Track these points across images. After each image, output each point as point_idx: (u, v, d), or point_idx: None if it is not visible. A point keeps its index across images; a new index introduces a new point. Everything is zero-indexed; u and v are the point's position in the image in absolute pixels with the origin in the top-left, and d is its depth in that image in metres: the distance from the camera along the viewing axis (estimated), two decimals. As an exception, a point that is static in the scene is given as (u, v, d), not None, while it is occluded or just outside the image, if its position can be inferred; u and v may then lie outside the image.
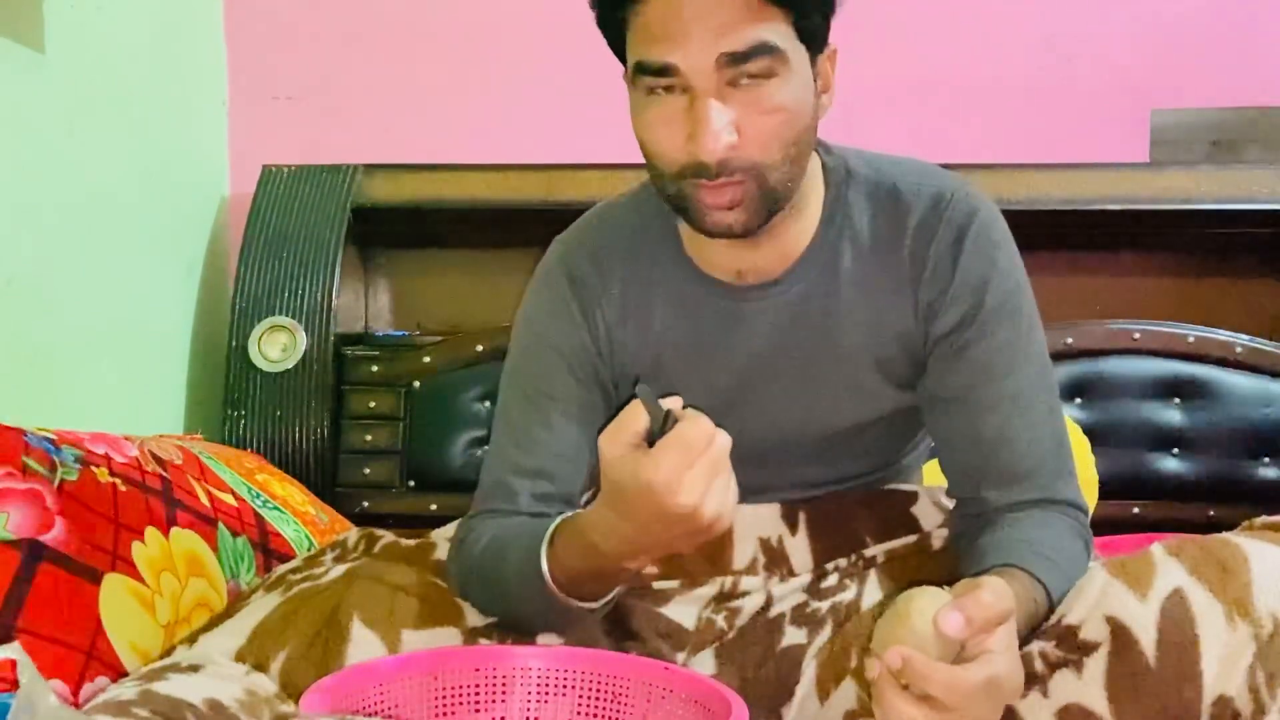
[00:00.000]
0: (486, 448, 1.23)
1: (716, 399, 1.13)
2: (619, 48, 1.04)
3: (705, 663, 1.09)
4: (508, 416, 1.17)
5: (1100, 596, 0.95)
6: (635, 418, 0.90)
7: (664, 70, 0.97)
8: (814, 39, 1.01)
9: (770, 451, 1.16)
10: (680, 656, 1.10)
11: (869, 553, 1.15)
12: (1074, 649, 0.94)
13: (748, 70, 0.96)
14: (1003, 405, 1.07)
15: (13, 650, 0.72)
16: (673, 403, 0.91)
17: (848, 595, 1.10)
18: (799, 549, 1.16)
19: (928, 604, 0.84)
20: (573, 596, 1.00)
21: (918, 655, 0.81)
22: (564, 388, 1.13)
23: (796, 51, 0.99)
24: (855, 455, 1.19)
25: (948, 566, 1.11)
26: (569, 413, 1.13)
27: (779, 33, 0.97)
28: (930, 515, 1.19)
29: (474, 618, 1.08)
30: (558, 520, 1.02)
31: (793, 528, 1.17)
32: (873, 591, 1.10)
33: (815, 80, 1.03)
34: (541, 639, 1.07)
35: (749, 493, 1.18)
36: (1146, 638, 0.91)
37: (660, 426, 0.89)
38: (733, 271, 1.12)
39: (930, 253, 1.08)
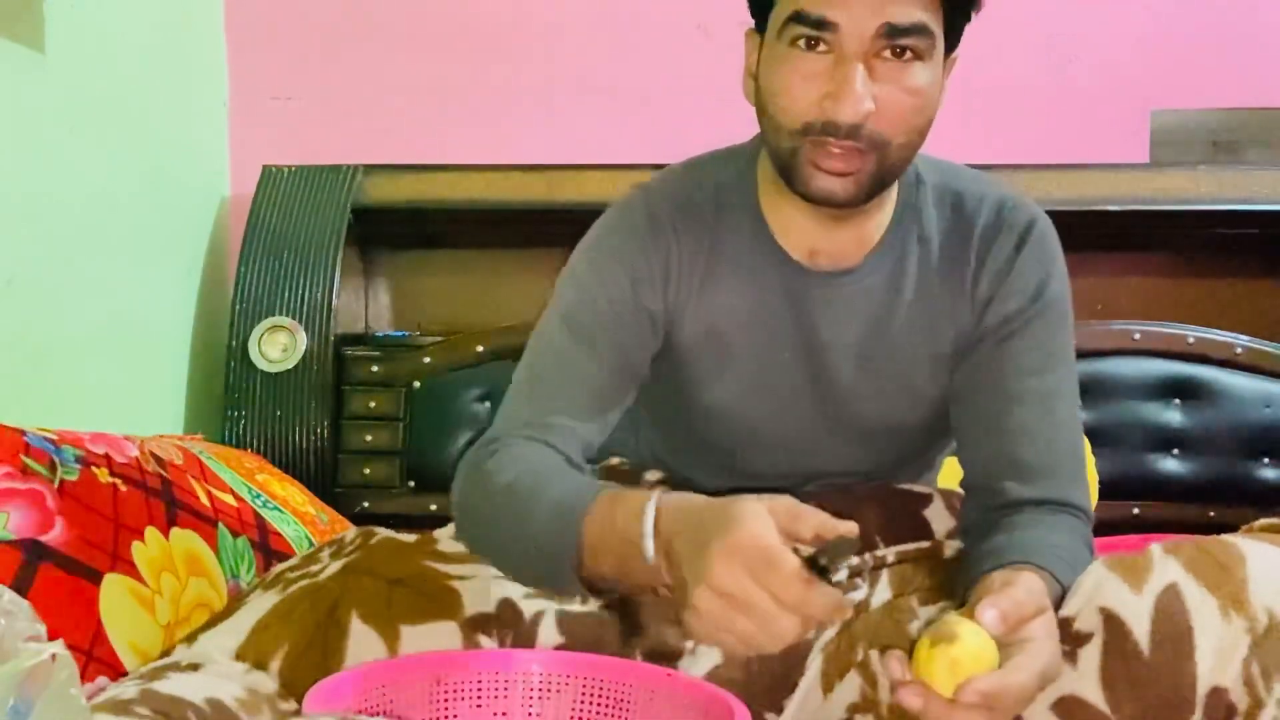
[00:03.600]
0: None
1: (770, 378, 1.15)
2: None
3: (711, 653, 1.08)
4: (552, 345, 1.12)
5: (1094, 589, 0.95)
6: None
7: (821, 24, 0.98)
8: (952, 37, 1.03)
9: (816, 440, 1.18)
10: (688, 645, 1.09)
11: (879, 554, 1.16)
12: (1068, 639, 0.94)
13: (901, 44, 0.98)
14: (1030, 400, 1.09)
15: (57, 646, 0.73)
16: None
17: (858, 594, 1.11)
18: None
19: (970, 639, 0.83)
20: (584, 575, 0.97)
21: (982, 680, 0.81)
22: (618, 319, 1.10)
23: (940, 43, 1.01)
24: (896, 449, 1.21)
25: (958, 573, 1.12)
26: (620, 344, 1.11)
27: (934, 20, 0.99)
28: (942, 520, 1.21)
29: (471, 608, 1.08)
30: (599, 491, 0.97)
31: None
32: (883, 592, 1.10)
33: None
34: (542, 635, 1.08)
35: (783, 477, 1.20)
36: (1140, 628, 0.91)
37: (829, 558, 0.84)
38: (806, 251, 1.12)
39: (991, 253, 1.12)
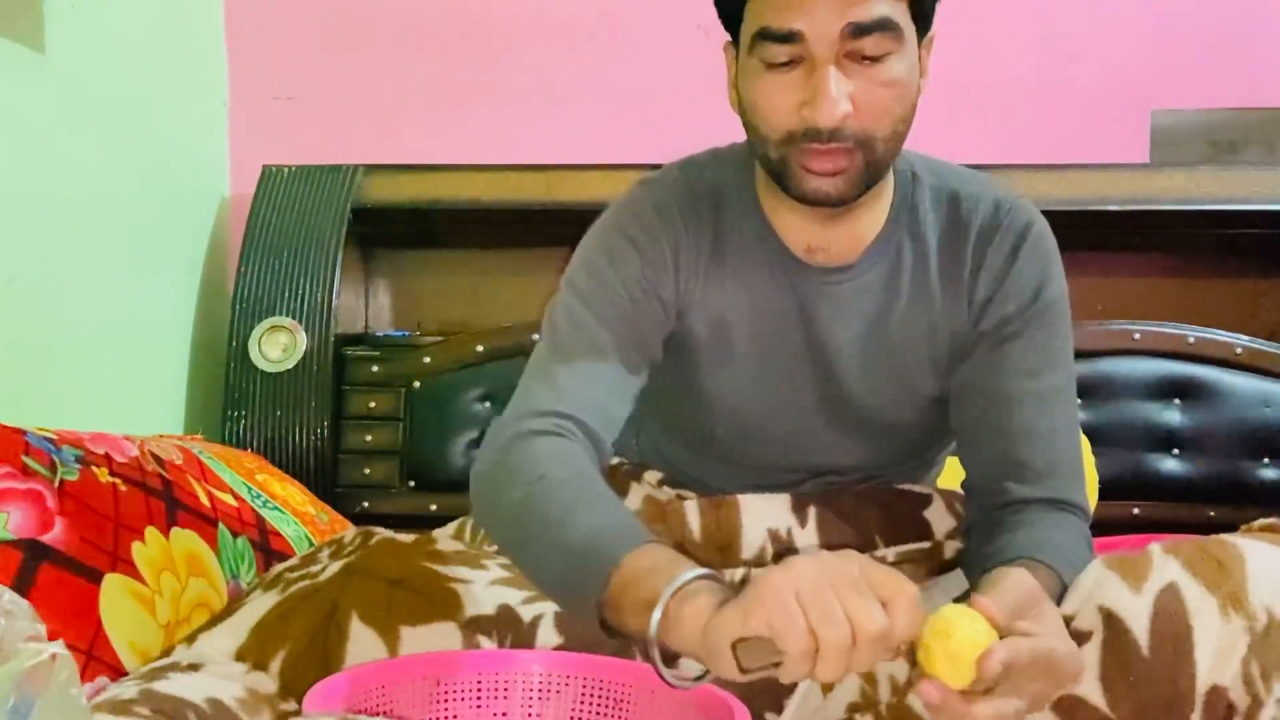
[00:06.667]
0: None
1: (772, 371, 1.15)
2: (734, 14, 1.05)
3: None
4: (569, 323, 1.11)
5: (1094, 588, 0.96)
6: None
7: (789, 37, 0.99)
8: (923, 21, 1.04)
9: (817, 434, 1.19)
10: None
11: (879, 554, 1.16)
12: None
13: (868, 44, 0.99)
14: (1030, 401, 1.10)
15: (57, 646, 0.73)
16: None
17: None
18: (808, 542, 1.17)
19: (966, 629, 0.81)
20: (606, 612, 0.90)
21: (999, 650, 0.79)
22: (632, 298, 1.11)
23: (909, 30, 1.02)
24: (897, 446, 1.22)
25: None
26: (633, 321, 1.11)
27: (898, 10, 1.00)
28: (942, 521, 1.22)
29: (471, 610, 1.08)
30: (641, 547, 0.90)
31: (802, 521, 1.19)
32: None
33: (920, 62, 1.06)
34: (541, 636, 1.07)
35: (784, 472, 1.21)
36: (1139, 626, 0.91)
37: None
38: (804, 248, 1.13)
39: (988, 255, 1.12)
